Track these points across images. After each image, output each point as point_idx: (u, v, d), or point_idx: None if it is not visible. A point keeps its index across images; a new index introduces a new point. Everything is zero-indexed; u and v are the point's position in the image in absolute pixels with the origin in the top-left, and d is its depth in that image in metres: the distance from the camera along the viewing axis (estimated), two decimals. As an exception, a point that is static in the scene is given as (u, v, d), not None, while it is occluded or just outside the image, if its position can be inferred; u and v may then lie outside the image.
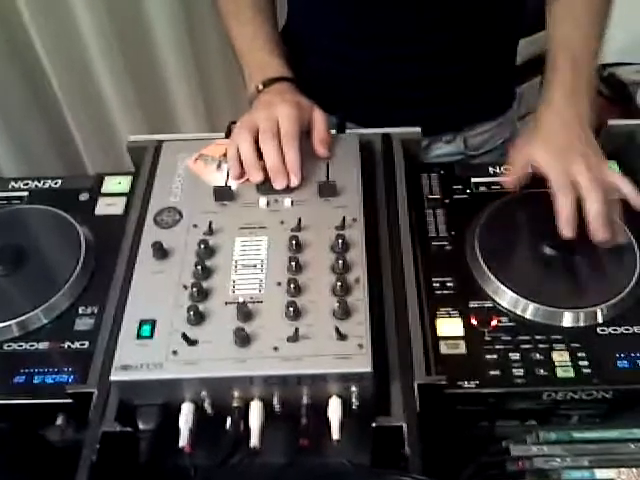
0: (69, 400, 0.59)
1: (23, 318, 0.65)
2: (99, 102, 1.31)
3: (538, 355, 0.60)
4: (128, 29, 1.22)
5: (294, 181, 0.68)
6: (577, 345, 0.61)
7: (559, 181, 0.65)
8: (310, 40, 0.89)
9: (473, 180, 0.75)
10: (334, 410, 0.56)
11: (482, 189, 0.75)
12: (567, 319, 0.63)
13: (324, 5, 0.84)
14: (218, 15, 0.85)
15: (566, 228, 0.64)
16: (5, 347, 0.64)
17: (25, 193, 0.78)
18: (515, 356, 0.60)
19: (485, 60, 0.87)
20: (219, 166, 0.71)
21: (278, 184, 0.68)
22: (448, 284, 0.66)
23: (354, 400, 0.56)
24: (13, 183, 0.80)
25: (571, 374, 0.59)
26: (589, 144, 0.68)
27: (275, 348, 0.56)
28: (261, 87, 0.75)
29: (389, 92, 0.87)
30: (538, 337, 0.62)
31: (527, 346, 0.61)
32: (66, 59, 1.23)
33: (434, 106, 0.87)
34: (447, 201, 0.73)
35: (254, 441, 0.55)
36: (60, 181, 0.80)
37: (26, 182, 0.80)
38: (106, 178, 0.79)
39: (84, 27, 1.18)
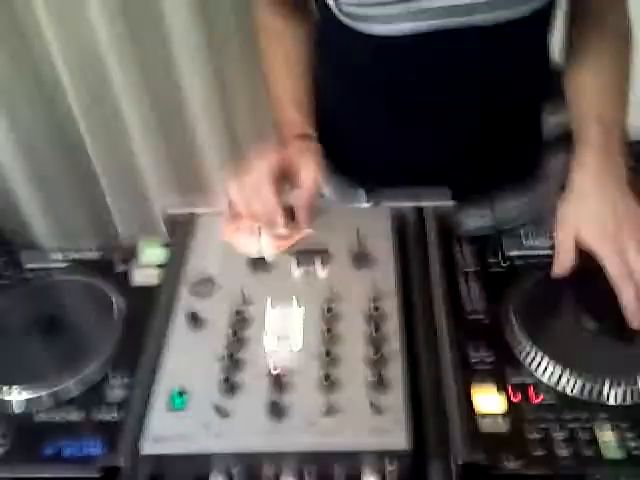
0: (96, 473, 0.58)
1: (53, 385, 0.64)
2: (132, 167, 1.34)
3: (583, 434, 0.57)
4: (161, 90, 1.26)
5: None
6: (625, 424, 0.58)
7: (617, 272, 0.65)
8: (338, 109, 0.90)
9: (508, 252, 0.74)
10: (369, 487, 0.54)
11: (518, 262, 0.73)
12: (613, 396, 0.60)
13: (353, 86, 0.86)
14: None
15: (636, 322, 0.64)
16: (35, 417, 0.63)
17: (63, 264, 0.80)
18: (559, 435, 0.58)
19: (510, 133, 0.87)
20: (252, 235, 0.72)
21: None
22: (486, 359, 0.64)
23: (390, 478, 0.54)
24: (53, 255, 0.81)
25: (619, 455, 0.56)
26: (630, 210, 0.68)
27: (309, 422, 0.55)
28: None
29: (411, 162, 0.86)
30: (583, 415, 0.59)
31: (572, 425, 0.58)
32: (102, 128, 1.27)
33: (460, 176, 0.87)
34: (482, 273, 0.72)
35: (286, 521, 0.53)
36: (96, 250, 0.81)
37: (65, 253, 0.81)
38: (141, 246, 0.80)
39: (118, 89, 1.23)
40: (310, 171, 0.73)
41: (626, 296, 0.64)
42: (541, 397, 0.61)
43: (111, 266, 0.78)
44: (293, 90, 0.85)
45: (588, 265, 0.66)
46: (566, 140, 0.83)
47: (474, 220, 0.92)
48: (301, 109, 0.84)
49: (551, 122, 0.91)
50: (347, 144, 0.89)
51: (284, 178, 0.74)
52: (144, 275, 0.76)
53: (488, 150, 0.87)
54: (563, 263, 0.69)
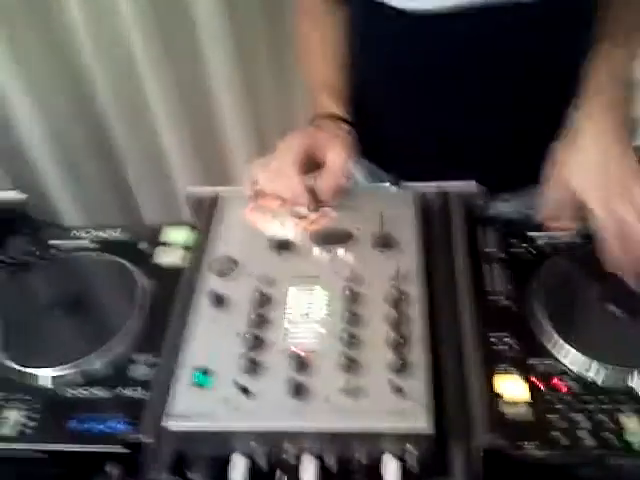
0: (120, 449, 0.59)
1: (78, 362, 0.65)
2: (158, 154, 1.35)
3: (605, 418, 0.57)
4: (190, 88, 1.27)
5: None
6: (651, 413, 0.58)
7: (603, 220, 0.65)
8: (372, 96, 0.90)
9: (530, 234, 0.74)
10: (389, 470, 0.54)
11: (540, 243, 0.73)
12: (634, 380, 0.60)
13: (377, 71, 0.86)
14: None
15: (614, 268, 0.65)
16: (61, 394, 0.64)
17: (86, 242, 0.81)
18: (580, 418, 0.57)
19: (546, 124, 0.84)
20: (275, 216, 0.72)
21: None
22: (506, 340, 0.64)
23: (410, 460, 0.55)
24: (75, 232, 0.82)
25: (641, 439, 0.56)
26: (628, 164, 0.67)
27: (329, 401, 0.55)
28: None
29: (444, 150, 0.87)
30: (604, 399, 0.59)
31: (593, 407, 0.58)
32: (129, 111, 1.28)
33: (491, 166, 0.86)
34: (504, 255, 0.72)
35: (306, 498, 0.54)
36: (120, 230, 0.82)
37: (88, 230, 0.82)
38: (165, 228, 0.80)
39: (147, 84, 1.24)
40: (337, 153, 0.72)
41: (609, 245, 0.64)
42: (565, 384, 0.60)
43: (135, 246, 0.79)
44: (326, 75, 0.84)
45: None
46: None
47: (499, 205, 0.91)
48: (334, 94, 0.82)
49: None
50: (375, 129, 0.88)
51: (312, 162, 0.74)
52: (168, 255, 0.77)
53: (522, 142, 0.86)
54: (550, 211, 0.70)
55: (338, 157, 0.72)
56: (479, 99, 0.82)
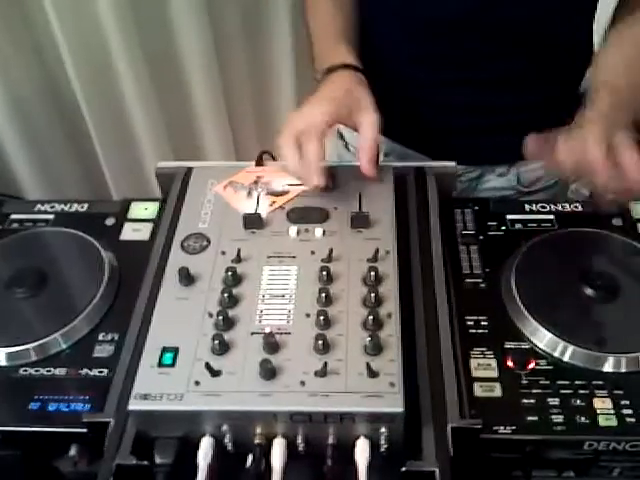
0: (84, 430, 0.57)
1: (41, 342, 0.63)
2: (127, 129, 1.32)
3: (578, 401, 0.57)
4: (160, 59, 1.24)
5: (313, 182, 0.66)
6: (620, 392, 0.58)
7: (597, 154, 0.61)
8: (373, 61, 0.86)
9: (508, 217, 0.73)
10: (361, 452, 0.53)
11: (518, 226, 0.72)
12: (608, 364, 0.59)
13: (388, 25, 0.83)
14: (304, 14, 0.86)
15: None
16: (21, 372, 0.62)
17: (51, 216, 0.78)
18: (554, 401, 0.57)
19: (548, 94, 0.85)
20: (249, 193, 0.70)
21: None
22: (482, 323, 0.63)
23: (383, 442, 0.54)
24: (39, 206, 0.79)
25: (614, 423, 0.56)
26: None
27: (302, 383, 0.54)
28: (319, 78, 0.73)
29: (446, 118, 0.85)
30: (578, 382, 0.58)
31: (566, 391, 0.58)
32: (96, 85, 1.24)
33: (490, 135, 0.85)
34: (481, 237, 0.71)
35: (276, 482, 0.52)
36: (86, 205, 0.79)
37: (52, 205, 0.79)
38: (133, 203, 0.78)
39: (117, 57, 1.20)
40: (370, 114, 0.68)
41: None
42: (537, 363, 0.60)
43: (101, 220, 0.76)
44: (344, 26, 0.80)
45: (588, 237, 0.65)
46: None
47: (494, 179, 0.90)
48: (352, 46, 0.78)
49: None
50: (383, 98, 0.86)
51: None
52: (134, 230, 0.74)
53: (521, 114, 0.85)
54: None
55: (371, 117, 0.68)
56: (479, 65, 0.80)
